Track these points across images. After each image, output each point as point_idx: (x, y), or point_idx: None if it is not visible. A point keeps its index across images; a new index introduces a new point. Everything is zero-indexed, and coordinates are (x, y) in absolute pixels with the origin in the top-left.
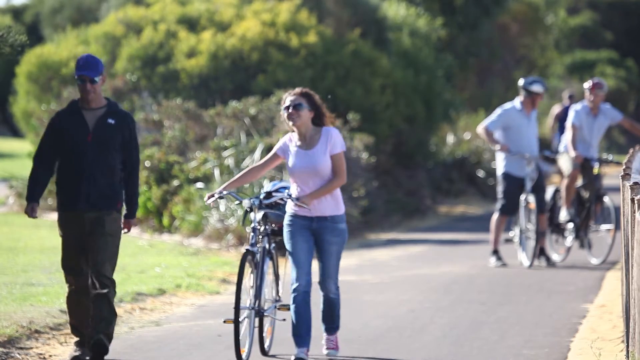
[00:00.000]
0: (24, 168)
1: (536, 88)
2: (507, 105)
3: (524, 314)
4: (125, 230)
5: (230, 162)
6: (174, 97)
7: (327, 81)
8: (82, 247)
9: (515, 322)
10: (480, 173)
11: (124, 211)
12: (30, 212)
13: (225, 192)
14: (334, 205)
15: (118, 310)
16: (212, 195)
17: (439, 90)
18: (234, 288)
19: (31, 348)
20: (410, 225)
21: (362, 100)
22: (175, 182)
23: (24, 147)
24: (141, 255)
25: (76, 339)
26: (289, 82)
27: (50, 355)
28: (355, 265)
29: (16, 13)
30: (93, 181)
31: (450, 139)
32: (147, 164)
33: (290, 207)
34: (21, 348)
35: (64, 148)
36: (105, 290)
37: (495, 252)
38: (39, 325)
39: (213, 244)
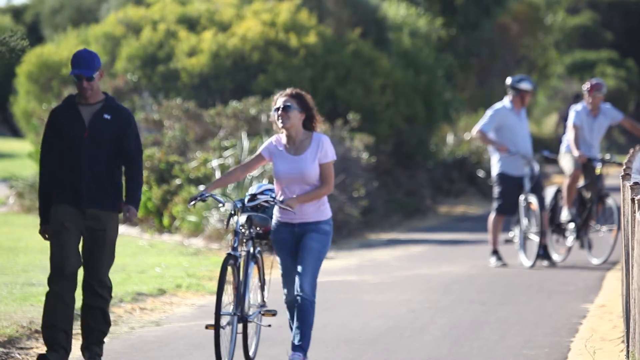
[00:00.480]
0: (24, 168)
1: (524, 85)
2: (497, 105)
3: (524, 314)
4: (124, 218)
5: (231, 162)
6: (174, 96)
7: (327, 81)
8: (77, 242)
9: (515, 322)
10: (481, 173)
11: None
12: (43, 233)
13: (207, 195)
14: (318, 211)
15: (118, 310)
16: (195, 198)
17: (439, 90)
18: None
19: (31, 348)
20: (410, 225)
21: (362, 100)
22: (177, 182)
23: (24, 147)
24: (141, 255)
25: (43, 350)
26: (289, 82)
27: None
28: (355, 265)
29: (16, 13)
30: (93, 179)
31: (451, 139)
32: (148, 164)
33: (275, 213)
34: (21, 348)
35: (62, 145)
36: (100, 304)
37: (495, 252)
38: (39, 325)
39: (213, 244)
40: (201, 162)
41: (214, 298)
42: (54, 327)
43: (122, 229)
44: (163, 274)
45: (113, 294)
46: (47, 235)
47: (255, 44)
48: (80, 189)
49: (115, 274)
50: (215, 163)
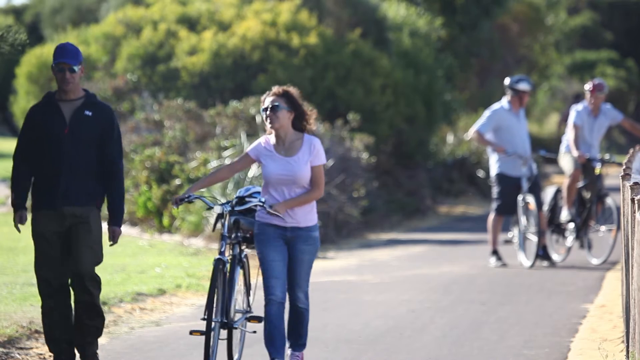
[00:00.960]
0: None
1: (522, 86)
2: (495, 106)
3: (524, 314)
4: (111, 242)
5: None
6: (174, 96)
7: (327, 81)
8: (61, 251)
9: (516, 322)
10: (481, 173)
11: (106, 217)
12: (19, 220)
13: (193, 196)
14: (309, 215)
15: (118, 311)
16: (182, 200)
17: (439, 91)
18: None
19: (31, 348)
20: (410, 226)
21: (363, 100)
22: (177, 182)
23: None
24: (141, 255)
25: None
26: (290, 82)
27: (50, 356)
28: (355, 265)
29: (16, 13)
30: (71, 177)
31: (450, 139)
32: (148, 164)
33: (261, 215)
34: (21, 348)
35: (41, 142)
36: (89, 299)
37: (495, 252)
38: (39, 325)
39: (213, 244)
40: (201, 162)
41: None
42: (56, 340)
43: (122, 228)
44: (163, 274)
45: (113, 294)
46: (23, 222)
47: (255, 44)
48: (58, 186)
49: (115, 274)
50: (215, 163)
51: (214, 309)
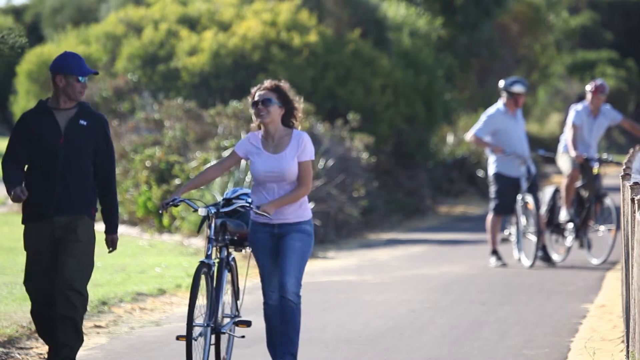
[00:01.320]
0: None
1: (517, 88)
2: (491, 109)
3: (524, 314)
4: (110, 249)
5: None
6: (174, 95)
7: (327, 81)
8: (52, 264)
9: (515, 322)
10: (480, 173)
11: (103, 225)
12: (20, 193)
13: (178, 199)
14: (298, 211)
15: (118, 310)
16: (167, 204)
17: (439, 91)
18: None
19: (31, 348)
20: (410, 225)
21: (363, 100)
22: (177, 182)
23: None
24: (141, 255)
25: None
26: (290, 82)
27: None
28: (355, 265)
29: (16, 13)
30: (65, 187)
31: (450, 139)
32: (148, 163)
33: (253, 214)
34: (21, 348)
35: (34, 151)
36: (71, 314)
37: (494, 252)
38: None
39: None
40: (201, 162)
41: None
42: (40, 330)
43: (122, 228)
44: (163, 274)
45: (113, 294)
46: (23, 195)
47: (255, 43)
48: (50, 196)
49: (115, 274)
50: (214, 163)
51: (204, 313)
